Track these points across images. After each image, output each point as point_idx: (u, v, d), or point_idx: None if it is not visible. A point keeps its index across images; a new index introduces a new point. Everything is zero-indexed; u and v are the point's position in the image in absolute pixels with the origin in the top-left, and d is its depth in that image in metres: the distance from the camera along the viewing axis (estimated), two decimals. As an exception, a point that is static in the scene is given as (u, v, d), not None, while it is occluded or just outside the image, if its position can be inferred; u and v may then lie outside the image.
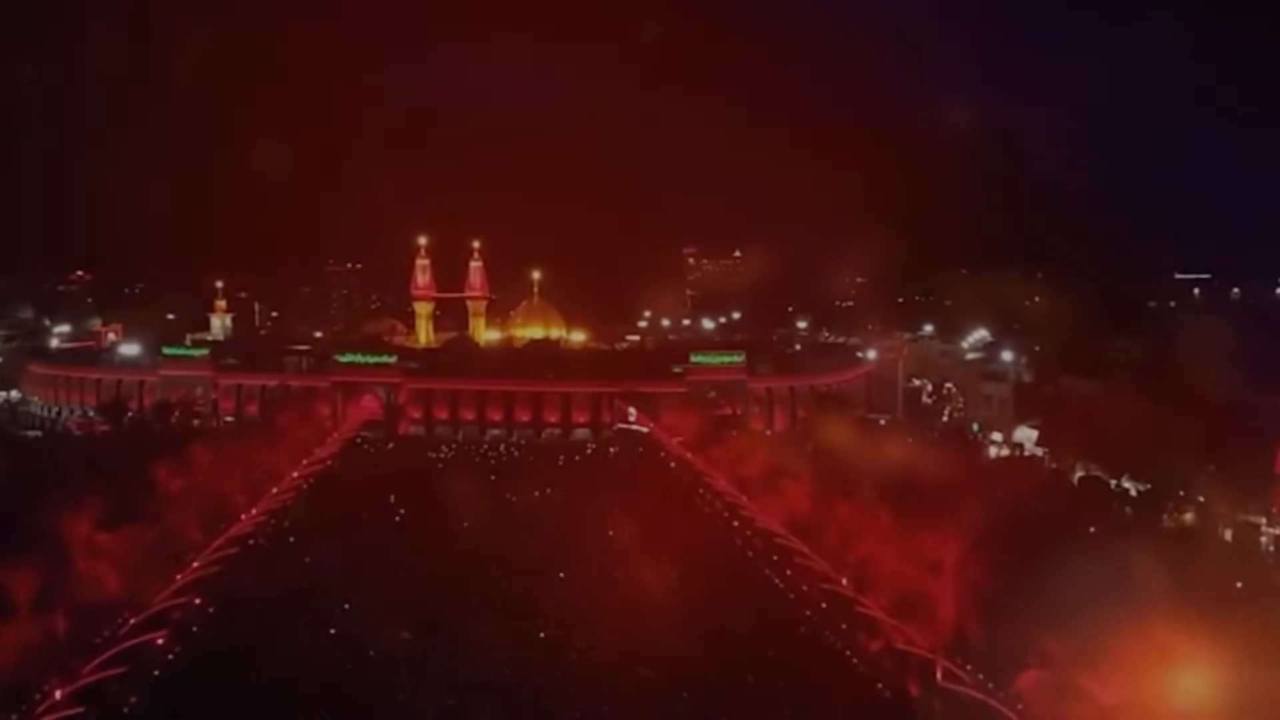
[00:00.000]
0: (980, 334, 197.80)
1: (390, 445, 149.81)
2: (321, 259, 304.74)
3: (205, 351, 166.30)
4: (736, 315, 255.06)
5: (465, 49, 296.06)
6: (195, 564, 77.62)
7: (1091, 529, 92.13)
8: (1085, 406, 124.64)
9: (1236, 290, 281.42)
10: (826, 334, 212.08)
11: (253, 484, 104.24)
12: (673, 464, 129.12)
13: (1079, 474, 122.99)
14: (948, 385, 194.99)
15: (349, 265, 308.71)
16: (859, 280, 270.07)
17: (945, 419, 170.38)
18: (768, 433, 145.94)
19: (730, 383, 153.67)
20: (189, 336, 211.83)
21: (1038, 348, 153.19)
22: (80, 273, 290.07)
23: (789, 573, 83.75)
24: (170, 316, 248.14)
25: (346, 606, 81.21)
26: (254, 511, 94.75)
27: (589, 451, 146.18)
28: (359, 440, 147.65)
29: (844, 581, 75.31)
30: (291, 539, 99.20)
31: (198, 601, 76.44)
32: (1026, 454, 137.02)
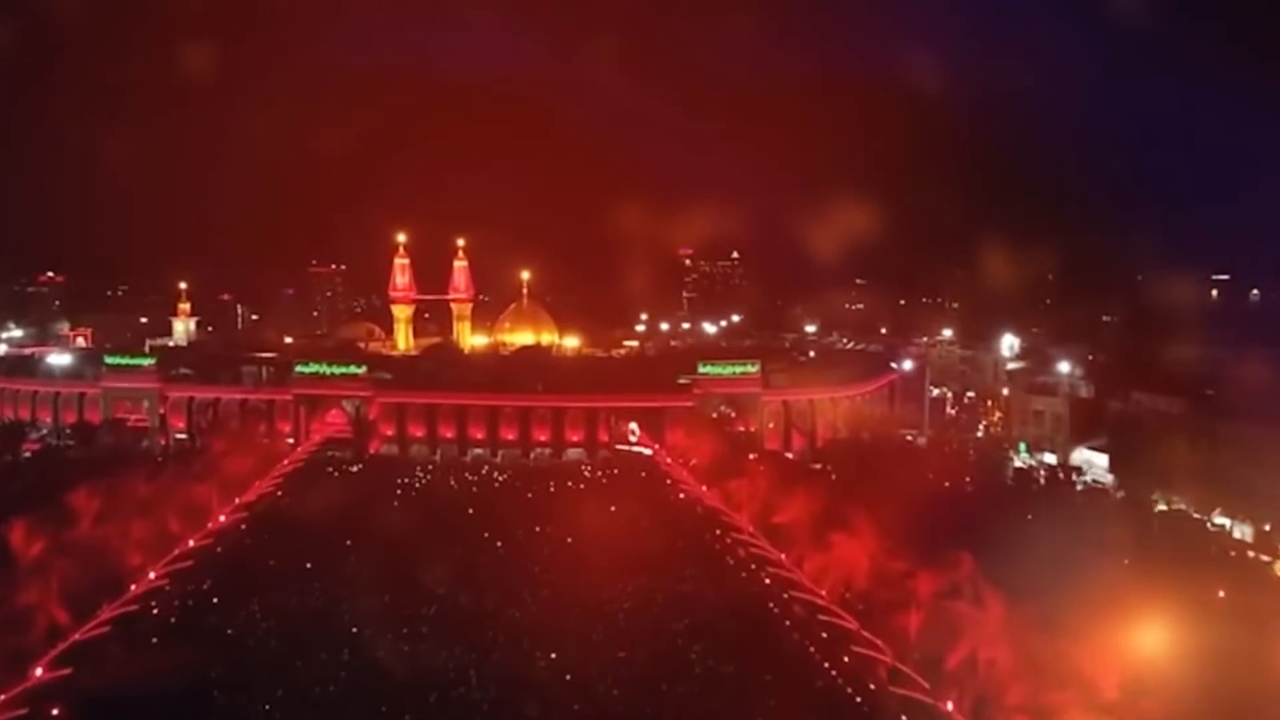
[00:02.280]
0: (1011, 340, 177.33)
1: (358, 467, 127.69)
2: (305, 259, 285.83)
3: (151, 361, 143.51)
4: (736, 318, 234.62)
5: (451, 38, 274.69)
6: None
7: (1221, 593, 70.80)
8: (1166, 428, 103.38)
9: (1255, 292, 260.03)
10: (847, 341, 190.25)
11: (174, 526, 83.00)
12: (682, 494, 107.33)
13: (1159, 507, 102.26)
14: (970, 394, 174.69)
15: (333, 266, 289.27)
16: (858, 281, 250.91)
17: (979, 434, 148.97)
18: (789, 455, 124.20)
19: (743, 395, 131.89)
20: (149, 343, 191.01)
21: (1091, 356, 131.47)
22: (50, 274, 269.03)
23: (847, 660, 62.19)
24: (144, 320, 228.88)
25: (267, 707, 60.01)
26: (153, 575, 72.60)
27: (584, 473, 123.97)
28: (323, 461, 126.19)
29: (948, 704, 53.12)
30: (216, 600, 77.65)
31: (55, 714, 54.88)
32: (1085, 478, 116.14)
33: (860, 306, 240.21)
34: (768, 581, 77.15)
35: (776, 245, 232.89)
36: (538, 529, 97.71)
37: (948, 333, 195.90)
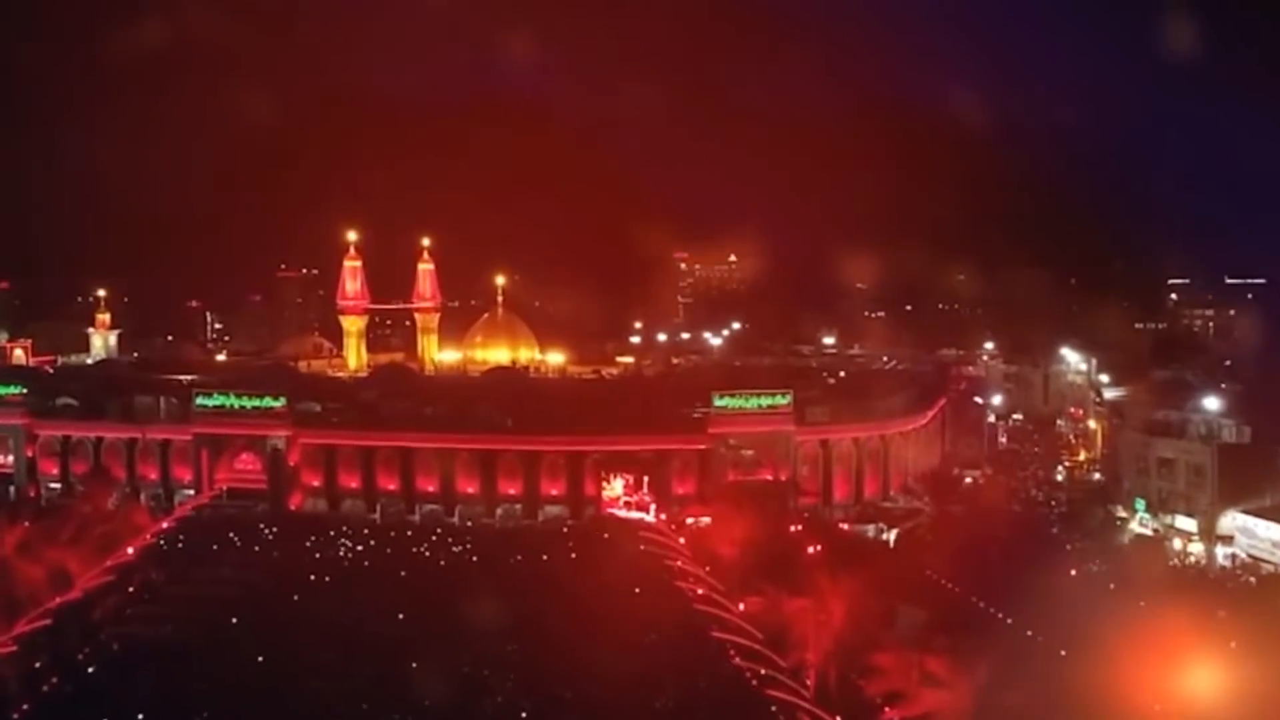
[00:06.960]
0: (1076, 355, 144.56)
1: (272, 532, 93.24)
2: (276, 263, 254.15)
3: (17, 390, 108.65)
4: (737, 325, 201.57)
5: (424, 23, 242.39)
6: None
7: None
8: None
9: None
10: (887, 359, 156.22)
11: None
12: (700, 590, 72.72)
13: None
14: (1016, 416, 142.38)
15: (304, 271, 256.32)
16: (859, 285, 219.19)
17: (1060, 477, 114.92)
18: (844, 526, 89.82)
19: (773, 435, 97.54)
20: (59, 360, 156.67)
21: (1224, 385, 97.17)
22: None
23: None
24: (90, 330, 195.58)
25: None
26: None
27: (565, 543, 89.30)
28: (221, 522, 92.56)
29: None
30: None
31: None
32: (1235, 550, 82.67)
33: (881, 314, 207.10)
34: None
35: (774, 247, 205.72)
36: (486, 673, 62.94)
37: (989, 345, 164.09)
